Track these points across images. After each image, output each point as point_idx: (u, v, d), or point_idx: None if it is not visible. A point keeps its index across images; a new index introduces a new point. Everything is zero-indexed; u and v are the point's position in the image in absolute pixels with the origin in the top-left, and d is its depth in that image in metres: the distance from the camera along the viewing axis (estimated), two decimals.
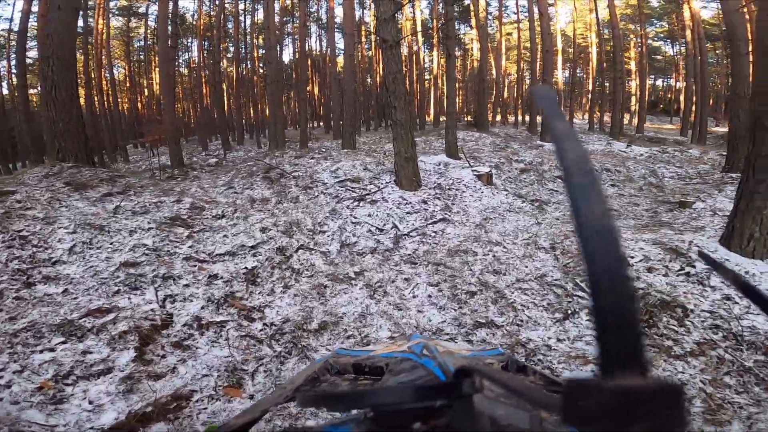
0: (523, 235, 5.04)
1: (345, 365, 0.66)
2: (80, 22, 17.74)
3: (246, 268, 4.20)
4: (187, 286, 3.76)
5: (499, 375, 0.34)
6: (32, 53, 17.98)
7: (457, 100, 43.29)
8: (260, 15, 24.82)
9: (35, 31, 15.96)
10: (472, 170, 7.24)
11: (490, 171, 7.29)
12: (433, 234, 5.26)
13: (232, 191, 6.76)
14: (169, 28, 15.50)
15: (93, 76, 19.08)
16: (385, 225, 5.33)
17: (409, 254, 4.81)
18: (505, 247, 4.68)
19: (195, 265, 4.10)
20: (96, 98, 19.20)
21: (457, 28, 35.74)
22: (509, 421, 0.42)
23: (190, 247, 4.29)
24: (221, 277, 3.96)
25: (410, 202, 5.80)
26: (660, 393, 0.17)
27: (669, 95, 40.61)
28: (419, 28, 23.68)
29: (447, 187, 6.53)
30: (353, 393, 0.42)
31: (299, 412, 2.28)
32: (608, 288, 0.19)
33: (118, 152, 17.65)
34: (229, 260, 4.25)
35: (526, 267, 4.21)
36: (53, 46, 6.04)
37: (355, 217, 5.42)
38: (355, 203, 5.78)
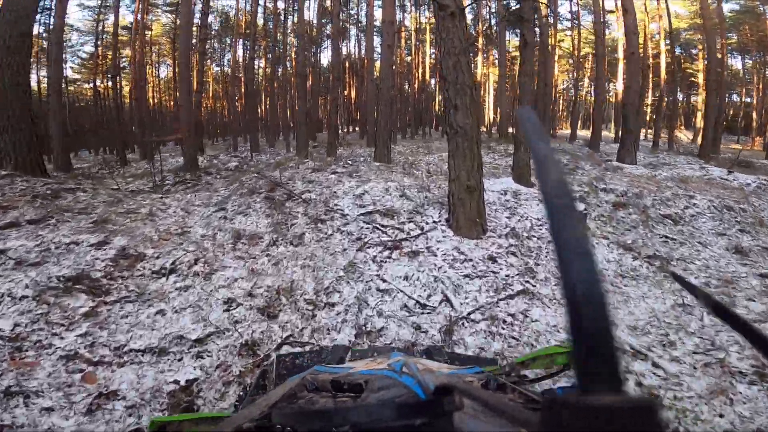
0: (675, 334, 2.78)
1: (323, 382, 0.62)
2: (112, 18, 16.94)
3: (176, 382, 2.19)
4: (48, 411, 1.79)
5: (478, 393, 0.33)
6: None
7: (499, 109, 40.50)
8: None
9: None
10: None
11: (585, 211, 4.99)
12: (509, 319, 3.06)
13: (221, 216, 4.81)
14: (198, 20, 14.06)
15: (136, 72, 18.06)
16: (430, 297, 3.18)
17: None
18: (656, 365, 2.45)
19: (78, 371, 2.13)
20: (131, 94, 18.22)
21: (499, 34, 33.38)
22: None
23: (82, 335, 2.32)
24: (122, 398, 1.97)
25: (471, 259, 3.60)
26: (635, 409, 0.17)
27: (731, 111, 36.39)
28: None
29: (524, 233, 4.27)
30: (332, 410, 0.43)
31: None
32: (585, 308, 0.19)
33: (140, 151, 16.39)
34: (148, 364, 2.25)
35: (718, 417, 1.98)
36: None
37: (384, 280, 3.31)
38: (386, 254, 3.66)
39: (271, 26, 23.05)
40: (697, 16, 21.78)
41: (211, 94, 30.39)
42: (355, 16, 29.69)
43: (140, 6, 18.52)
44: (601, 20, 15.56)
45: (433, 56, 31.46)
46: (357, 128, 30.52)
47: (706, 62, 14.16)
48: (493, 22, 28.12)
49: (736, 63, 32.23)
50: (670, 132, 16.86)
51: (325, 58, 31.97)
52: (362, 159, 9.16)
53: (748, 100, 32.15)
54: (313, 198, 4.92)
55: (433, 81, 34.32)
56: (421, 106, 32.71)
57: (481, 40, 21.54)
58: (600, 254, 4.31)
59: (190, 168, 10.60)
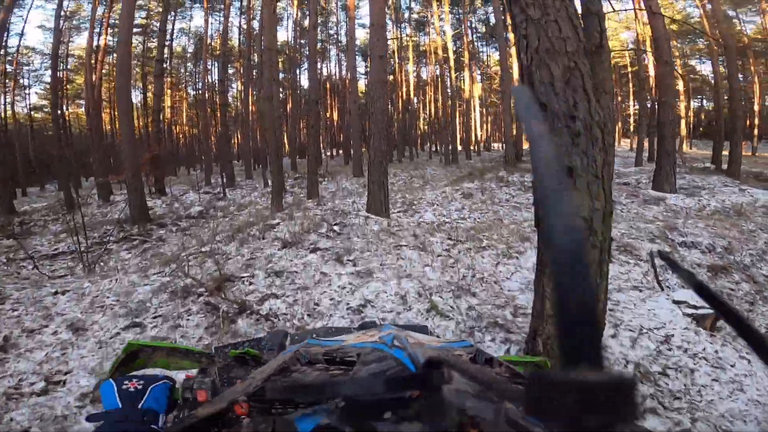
0: None
1: (316, 355, 0.62)
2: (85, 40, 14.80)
3: None
4: None
5: (467, 367, 0.34)
6: None
7: (485, 126, 39.36)
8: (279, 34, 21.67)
9: None
10: (675, 301, 3.07)
11: (718, 321, 3.04)
12: None
13: (131, 339, 2.72)
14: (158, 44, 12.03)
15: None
16: None
17: None
18: None
19: None
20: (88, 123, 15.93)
21: (481, 50, 32.35)
22: (476, 412, 0.42)
23: None
24: None
25: None
26: (615, 386, 0.18)
27: (703, 116, 35.98)
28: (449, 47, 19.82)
29: (665, 367, 2.28)
30: (324, 383, 0.42)
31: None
32: (571, 287, 0.20)
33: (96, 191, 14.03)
34: None
35: None
36: None
37: None
38: None
39: (245, 45, 21.15)
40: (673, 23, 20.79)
41: (184, 120, 28.11)
42: (335, 36, 28.25)
43: (97, 28, 16.36)
44: None
45: (415, 74, 30.18)
46: (340, 152, 28.76)
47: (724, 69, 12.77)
48: (474, 37, 27.14)
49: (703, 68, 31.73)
50: (679, 146, 15.38)
51: (305, 78, 30.20)
52: (352, 208, 7.17)
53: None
54: (280, 313, 2.85)
55: (416, 99, 33.11)
56: (406, 126, 31.31)
57: (467, 54, 19.94)
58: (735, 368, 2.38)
59: (138, 219, 8.41)
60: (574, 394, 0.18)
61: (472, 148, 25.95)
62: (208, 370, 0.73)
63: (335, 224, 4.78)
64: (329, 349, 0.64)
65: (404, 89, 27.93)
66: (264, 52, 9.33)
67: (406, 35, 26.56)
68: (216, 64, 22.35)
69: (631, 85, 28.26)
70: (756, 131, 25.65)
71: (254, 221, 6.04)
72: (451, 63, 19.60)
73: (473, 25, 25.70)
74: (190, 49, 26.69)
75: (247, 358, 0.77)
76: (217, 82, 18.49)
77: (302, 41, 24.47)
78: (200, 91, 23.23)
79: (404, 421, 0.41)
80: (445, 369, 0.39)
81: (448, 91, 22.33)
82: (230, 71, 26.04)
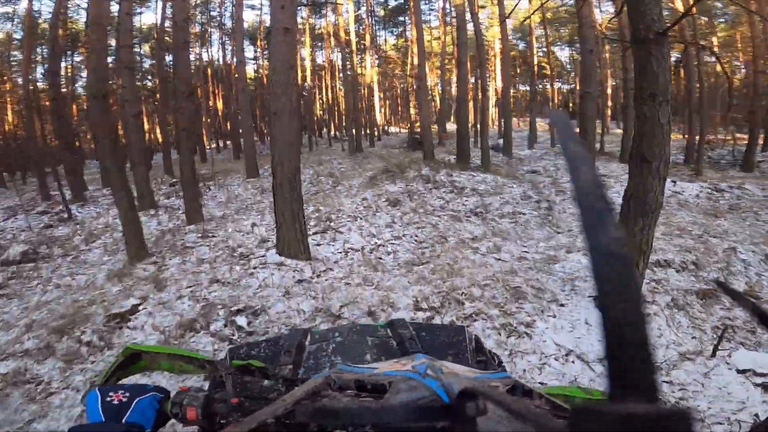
0: None
1: (347, 381, 0.60)
2: None
3: None
4: None
5: (504, 398, 0.33)
6: None
7: (383, 111, 38.75)
8: (146, 17, 17.25)
9: None
10: (740, 371, 2.26)
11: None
12: None
13: None
14: None
15: None
16: None
17: None
18: None
19: None
20: None
21: (379, 34, 31.25)
22: None
23: None
24: None
25: None
26: (668, 420, 0.16)
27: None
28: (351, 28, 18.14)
29: None
30: (355, 410, 0.40)
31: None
32: (619, 312, 0.19)
33: None
34: None
35: None
36: None
37: None
38: None
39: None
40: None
41: (10, 119, 21.52)
42: (218, 19, 24.38)
43: None
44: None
45: (311, 59, 27.92)
46: (228, 143, 25.31)
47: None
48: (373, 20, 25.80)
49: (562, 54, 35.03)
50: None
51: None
52: (254, 242, 5.35)
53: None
54: None
55: (311, 84, 30.75)
56: (302, 112, 28.95)
57: (368, 38, 18.48)
58: None
59: None
60: (624, 428, 0.16)
61: (374, 134, 24.92)
62: (215, 378, 0.69)
63: (238, 306, 2.97)
64: (361, 375, 0.62)
65: (300, 74, 25.62)
66: (90, 28, 6.59)
67: (302, 18, 24.19)
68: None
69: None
70: (609, 112, 29.29)
71: (96, 299, 3.83)
72: (353, 46, 17.93)
73: (372, 8, 24.34)
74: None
75: (252, 369, 0.73)
76: (48, 72, 14.02)
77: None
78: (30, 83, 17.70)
79: None
80: (480, 400, 0.37)
81: (349, 74, 20.76)
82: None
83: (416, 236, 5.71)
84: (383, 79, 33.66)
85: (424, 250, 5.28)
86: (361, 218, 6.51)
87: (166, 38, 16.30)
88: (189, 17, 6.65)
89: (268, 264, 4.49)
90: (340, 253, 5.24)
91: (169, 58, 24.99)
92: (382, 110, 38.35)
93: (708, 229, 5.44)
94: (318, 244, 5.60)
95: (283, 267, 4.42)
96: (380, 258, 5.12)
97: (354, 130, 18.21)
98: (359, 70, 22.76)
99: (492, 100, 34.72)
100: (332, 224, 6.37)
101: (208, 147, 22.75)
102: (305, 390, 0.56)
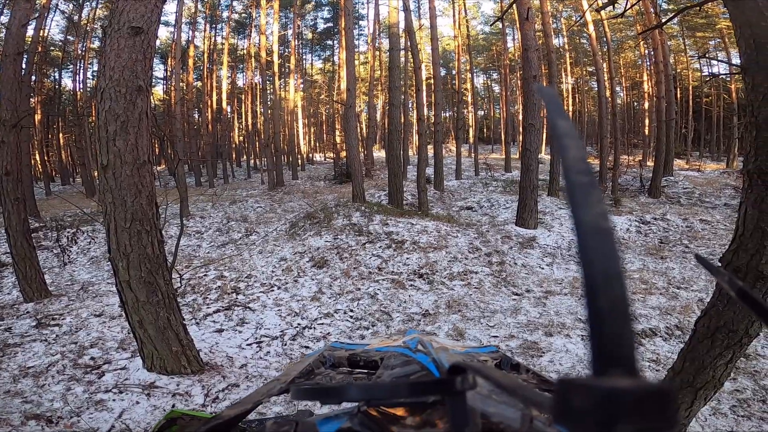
0: None
1: (340, 358, 0.62)
2: None
3: None
4: None
5: (492, 372, 0.33)
6: None
7: (307, 137, 37.19)
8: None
9: None
10: None
11: None
12: None
13: None
14: None
15: None
16: None
17: None
18: None
19: None
20: None
21: (305, 57, 29.98)
22: (501, 418, 0.41)
23: None
24: None
25: None
26: (649, 394, 0.16)
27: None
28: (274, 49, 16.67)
29: None
30: (347, 386, 0.40)
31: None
32: (603, 288, 0.19)
33: None
34: None
35: None
36: None
37: None
38: None
39: None
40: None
41: None
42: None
43: None
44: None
45: (230, 81, 25.78)
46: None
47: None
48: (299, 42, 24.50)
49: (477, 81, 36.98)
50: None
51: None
52: (114, 329, 3.58)
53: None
54: None
55: (229, 108, 28.31)
56: (218, 138, 26.40)
57: (293, 60, 17.15)
58: None
59: None
60: (607, 402, 0.16)
61: (298, 163, 23.30)
62: None
63: None
64: (353, 352, 0.61)
65: (215, 97, 23.29)
66: None
67: (222, 37, 22.14)
68: None
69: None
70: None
71: None
72: (276, 68, 16.38)
73: (300, 30, 23.12)
74: None
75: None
76: None
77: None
78: None
79: (427, 426, 0.40)
80: (469, 374, 0.37)
81: (270, 98, 19.07)
82: None
83: (352, 312, 4.37)
84: (308, 104, 32.38)
85: (364, 333, 3.98)
86: (278, 287, 4.99)
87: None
88: (27, 23, 4.71)
89: (129, 387, 2.82)
90: (251, 345, 3.71)
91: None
92: (306, 137, 36.84)
93: (665, 277, 4.95)
94: (219, 330, 4.00)
95: (154, 391, 2.78)
96: (307, 348, 3.70)
97: (274, 160, 16.46)
98: (282, 94, 21.25)
99: (415, 126, 35.24)
100: (240, 297, 4.77)
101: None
102: (299, 368, 0.56)
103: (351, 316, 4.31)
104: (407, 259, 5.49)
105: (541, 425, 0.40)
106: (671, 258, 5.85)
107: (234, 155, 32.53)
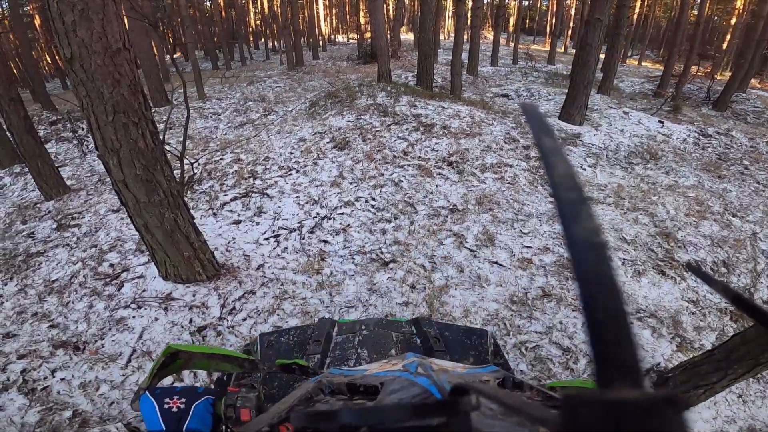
0: None
1: (339, 385, 0.60)
2: None
3: None
4: None
5: (495, 392, 0.33)
6: None
7: (329, 19, 33.69)
8: None
9: None
10: None
11: None
12: None
13: None
14: None
15: None
16: None
17: None
18: None
19: None
20: None
21: None
22: None
23: None
24: None
25: None
26: (658, 404, 0.16)
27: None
28: None
29: None
30: (349, 411, 0.39)
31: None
32: (600, 302, 0.19)
33: None
34: None
35: None
36: None
37: None
38: None
39: None
40: None
41: None
42: None
43: None
44: None
45: None
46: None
47: None
48: None
49: None
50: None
51: None
52: (132, 228, 3.42)
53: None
54: None
55: None
56: (233, 24, 24.15)
57: None
58: None
59: None
60: (614, 414, 0.16)
61: (319, 44, 21.34)
62: (252, 376, 0.66)
63: None
64: (352, 378, 0.61)
65: None
66: None
67: None
68: None
69: None
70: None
71: None
72: None
73: None
74: None
75: (294, 368, 0.72)
76: None
77: None
78: None
79: None
80: (472, 395, 0.35)
81: None
82: None
83: (374, 201, 4.05)
84: None
85: (386, 226, 3.68)
86: (297, 170, 4.65)
87: None
88: None
89: (146, 300, 2.70)
90: (268, 240, 3.51)
91: None
92: (328, 19, 33.18)
93: (722, 200, 4.32)
94: (237, 222, 3.80)
95: (171, 304, 2.65)
96: (326, 243, 3.48)
97: (293, 41, 14.94)
98: None
99: (449, 11, 30.90)
100: (257, 182, 4.48)
101: None
102: (298, 396, 0.55)
103: (373, 206, 3.99)
104: (436, 144, 4.95)
105: None
106: (729, 179, 5.08)
107: (252, 38, 30.29)
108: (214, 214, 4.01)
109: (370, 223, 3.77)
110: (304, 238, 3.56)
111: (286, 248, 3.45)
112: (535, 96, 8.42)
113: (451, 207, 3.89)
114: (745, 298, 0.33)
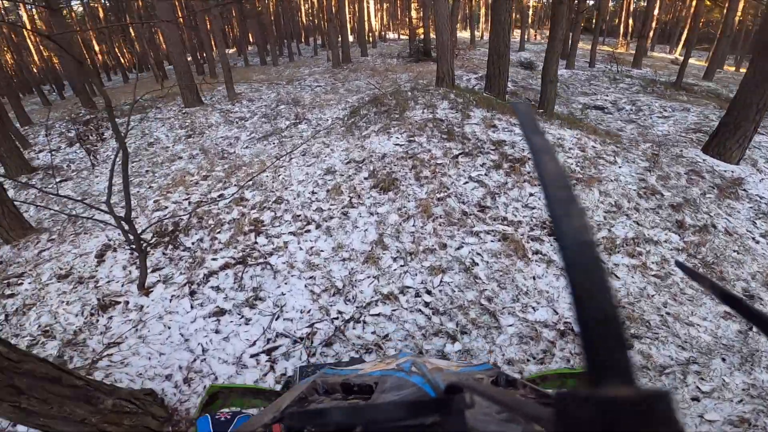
0: None
1: (333, 384, 0.58)
2: None
3: None
4: None
5: (489, 390, 0.32)
6: None
7: (379, 15, 32.18)
8: None
9: None
10: None
11: None
12: None
13: None
14: None
15: None
16: None
17: None
18: None
19: None
20: None
21: None
22: None
23: None
24: None
25: None
26: (649, 401, 0.16)
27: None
28: None
29: None
30: (344, 410, 0.38)
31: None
32: (591, 300, 0.19)
33: None
34: None
35: None
36: None
37: None
38: None
39: None
40: None
41: None
42: None
43: None
44: None
45: None
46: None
47: None
48: None
49: None
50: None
51: None
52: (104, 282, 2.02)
53: None
54: None
55: None
56: (281, 20, 23.37)
57: None
58: None
59: None
60: (607, 411, 0.16)
61: (368, 40, 19.83)
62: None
63: None
64: (346, 377, 0.60)
65: None
66: None
67: None
68: None
69: None
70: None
71: None
72: None
73: None
74: None
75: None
76: None
77: None
78: None
79: None
80: (466, 393, 0.35)
81: None
82: None
83: (428, 297, 2.42)
84: None
85: (448, 347, 2.10)
86: (318, 225, 3.10)
87: None
88: None
89: None
90: (258, 359, 2.10)
91: None
92: (378, 14, 31.52)
93: None
94: (219, 313, 2.41)
95: None
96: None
97: (339, 38, 13.48)
98: None
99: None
100: (261, 241, 3.00)
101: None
102: (292, 397, 0.54)
103: (427, 304, 2.36)
104: (531, 196, 3.19)
105: None
106: None
107: (303, 35, 29.62)
108: (192, 293, 2.57)
109: (420, 336, 2.16)
110: (314, 355, 2.07)
111: (284, 374, 1.99)
112: (644, 111, 6.29)
113: (557, 324, 2.17)
114: (733, 294, 0.32)
